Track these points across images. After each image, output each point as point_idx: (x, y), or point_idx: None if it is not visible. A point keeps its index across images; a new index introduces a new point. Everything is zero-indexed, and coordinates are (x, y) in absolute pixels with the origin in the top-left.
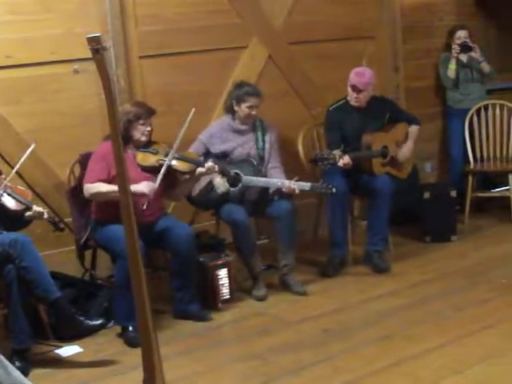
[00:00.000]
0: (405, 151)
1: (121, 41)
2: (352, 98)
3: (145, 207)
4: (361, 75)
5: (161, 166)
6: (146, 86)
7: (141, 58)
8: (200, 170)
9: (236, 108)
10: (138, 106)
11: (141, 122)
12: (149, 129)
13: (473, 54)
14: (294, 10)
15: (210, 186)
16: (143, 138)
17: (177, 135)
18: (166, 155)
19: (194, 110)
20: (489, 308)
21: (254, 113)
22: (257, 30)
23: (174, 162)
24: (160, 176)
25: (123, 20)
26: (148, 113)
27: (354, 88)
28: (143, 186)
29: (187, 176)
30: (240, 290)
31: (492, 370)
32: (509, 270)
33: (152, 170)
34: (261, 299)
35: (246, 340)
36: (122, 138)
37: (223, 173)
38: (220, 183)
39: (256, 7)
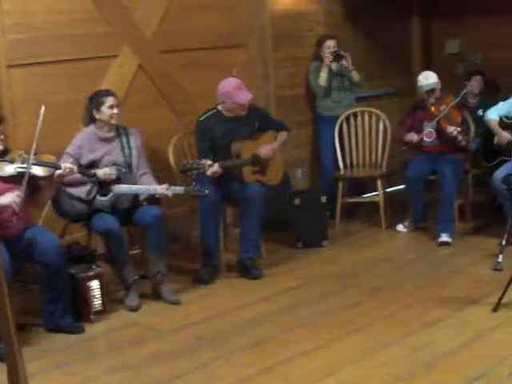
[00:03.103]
0: (267, 148)
1: None
2: (237, 112)
3: (15, 221)
4: (243, 89)
5: (19, 173)
6: (14, 95)
7: (8, 67)
8: (58, 172)
9: (98, 115)
10: None
11: None
12: (2, 137)
13: (344, 62)
14: (165, 18)
15: (96, 183)
16: None
17: (33, 141)
18: (23, 162)
19: (43, 107)
20: (359, 311)
21: (115, 111)
22: (127, 38)
23: (32, 169)
24: (24, 184)
25: None
26: None
27: (243, 106)
28: (8, 198)
29: (47, 180)
30: (113, 301)
31: (362, 372)
32: (378, 273)
33: (11, 180)
34: (134, 309)
35: (120, 351)
36: None
37: (83, 173)
38: (107, 171)
39: (127, 16)
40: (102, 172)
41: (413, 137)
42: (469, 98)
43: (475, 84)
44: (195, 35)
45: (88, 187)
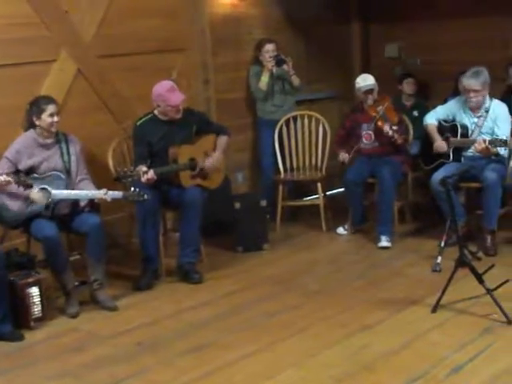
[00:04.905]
0: (211, 161)
1: None
2: (171, 115)
3: None
4: (176, 91)
5: None
6: None
7: None
8: None
9: (38, 122)
10: None
11: None
12: None
13: (285, 67)
14: (103, 23)
15: (29, 202)
16: None
17: None
18: None
19: None
20: (299, 313)
21: (56, 119)
22: (66, 43)
23: None
24: None
25: None
26: None
27: (177, 108)
28: None
29: None
30: (53, 308)
31: (302, 374)
32: (318, 276)
33: None
34: (74, 316)
35: (60, 357)
36: None
37: (20, 183)
38: (39, 197)
39: (65, 20)
40: (35, 195)
41: (344, 156)
42: (403, 100)
43: (407, 86)
44: (134, 39)
45: (22, 200)
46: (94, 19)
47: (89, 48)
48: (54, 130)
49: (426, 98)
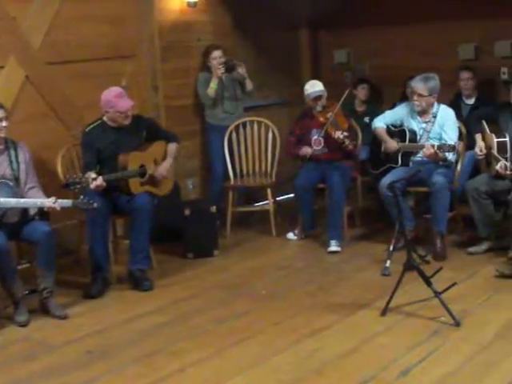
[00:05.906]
0: (162, 168)
1: None
2: (120, 121)
3: None
4: (124, 97)
5: None
6: None
7: None
8: None
9: None
10: None
11: None
12: None
13: (240, 70)
14: (52, 29)
15: None
16: None
17: None
18: None
19: None
20: (248, 319)
21: (4, 125)
22: (14, 49)
23: None
24: None
25: None
26: None
27: (126, 114)
28: None
29: None
30: (2, 317)
31: (252, 380)
32: (268, 281)
33: None
34: (23, 324)
35: (9, 367)
36: None
37: None
38: None
39: (13, 26)
40: None
41: (307, 150)
42: (356, 105)
43: (361, 92)
44: (83, 46)
45: None
46: (43, 26)
47: (37, 54)
48: (2, 135)
49: (380, 103)
